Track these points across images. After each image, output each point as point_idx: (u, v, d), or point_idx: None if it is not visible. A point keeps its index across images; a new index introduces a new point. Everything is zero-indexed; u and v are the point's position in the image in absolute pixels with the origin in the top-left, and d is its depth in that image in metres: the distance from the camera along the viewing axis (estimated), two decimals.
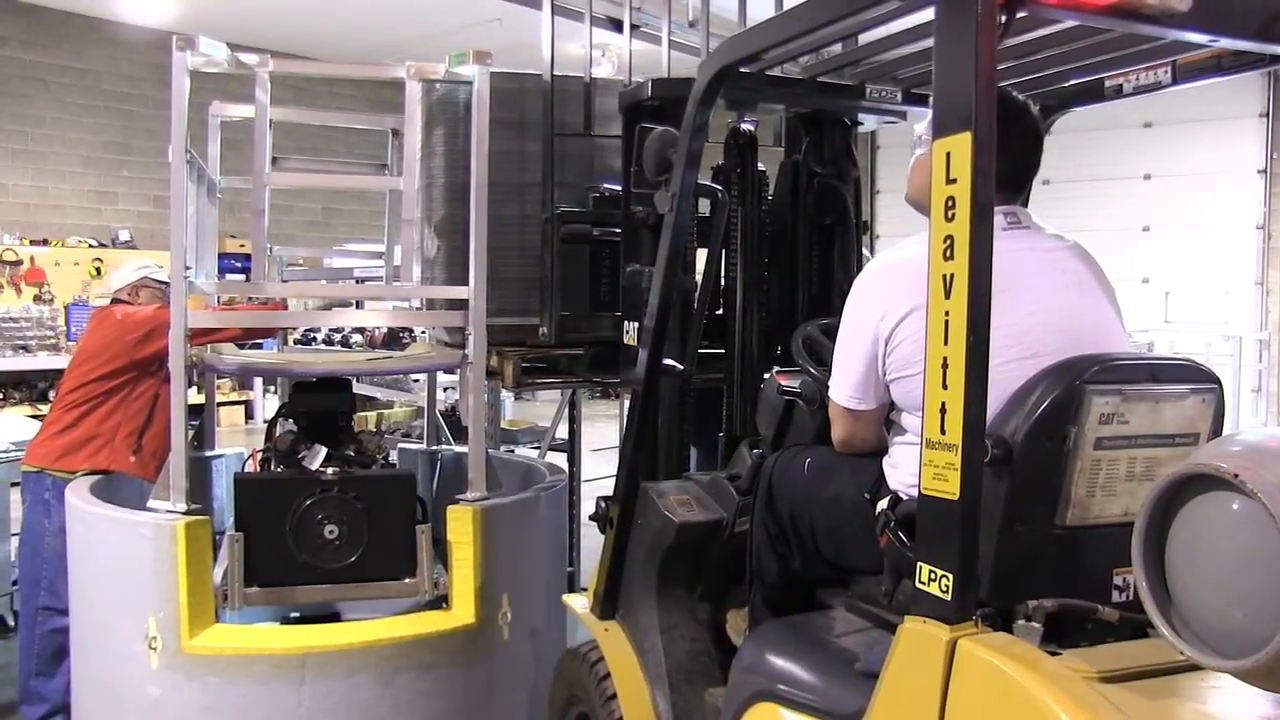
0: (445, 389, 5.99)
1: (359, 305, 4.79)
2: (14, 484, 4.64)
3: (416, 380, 6.84)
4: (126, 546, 3.00)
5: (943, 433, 1.52)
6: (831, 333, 2.50)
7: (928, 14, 1.87)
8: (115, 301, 3.90)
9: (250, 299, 4.19)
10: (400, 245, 3.22)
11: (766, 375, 2.61)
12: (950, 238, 1.51)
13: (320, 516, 3.06)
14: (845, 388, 2.01)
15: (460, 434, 4.53)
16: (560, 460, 5.04)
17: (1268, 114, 9.30)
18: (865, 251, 3.13)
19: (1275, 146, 9.29)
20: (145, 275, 3.91)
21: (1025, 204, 2.13)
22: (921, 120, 2.06)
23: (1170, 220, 9.79)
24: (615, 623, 2.66)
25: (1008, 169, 1.84)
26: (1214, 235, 9.57)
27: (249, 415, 11.19)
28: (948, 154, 1.52)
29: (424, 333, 4.99)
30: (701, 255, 2.96)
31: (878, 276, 1.98)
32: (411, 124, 3.30)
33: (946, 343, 1.51)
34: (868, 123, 2.99)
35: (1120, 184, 9.91)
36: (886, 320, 1.89)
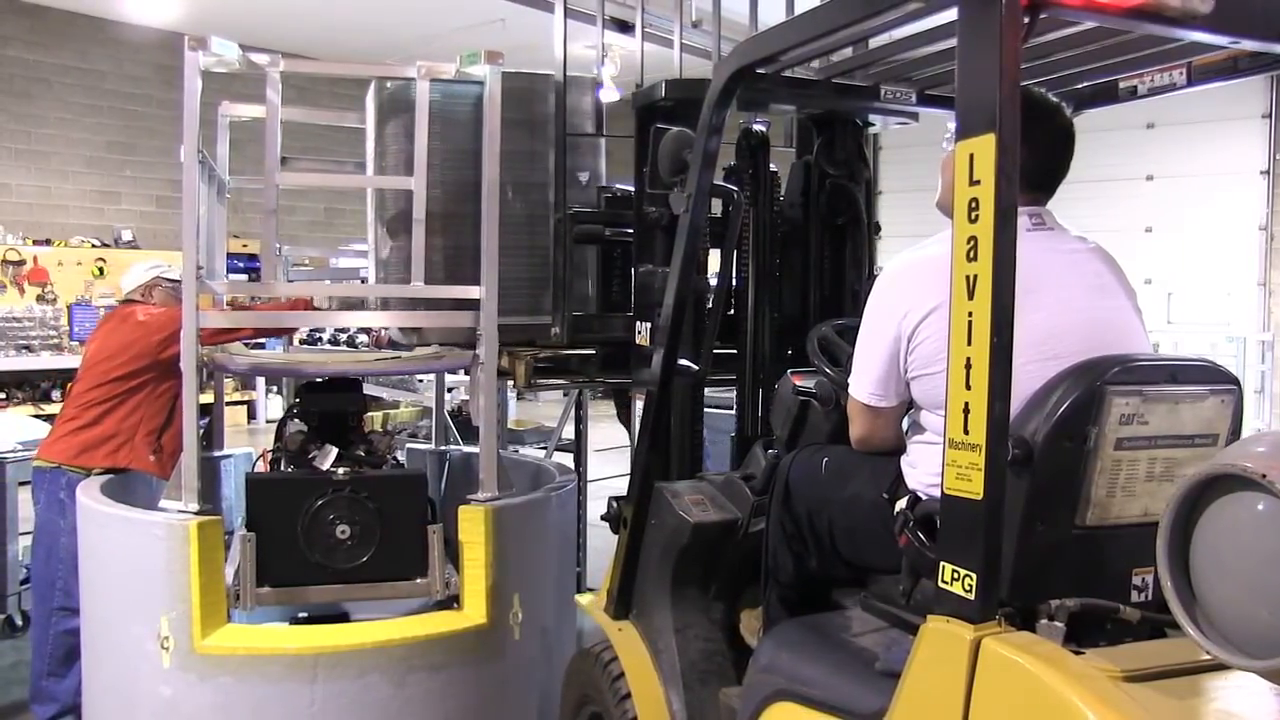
0: (449, 389, 5.99)
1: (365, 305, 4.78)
2: (21, 483, 4.64)
3: (421, 380, 6.85)
4: (139, 546, 3.01)
5: (966, 433, 1.52)
6: (846, 333, 2.51)
7: (946, 16, 1.89)
8: (128, 302, 3.90)
9: (254, 298, 4.18)
10: (412, 245, 3.21)
11: (780, 376, 2.62)
12: (974, 239, 1.51)
13: (332, 516, 3.07)
14: (866, 385, 2.01)
15: (467, 434, 4.54)
16: (566, 460, 5.05)
17: (1271, 115, 9.29)
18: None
19: (1278, 147, 9.29)
20: (158, 275, 3.91)
21: None
22: (950, 121, 2.05)
23: (1173, 221, 9.78)
24: (629, 623, 2.66)
25: (1037, 170, 1.85)
26: (1217, 236, 9.57)
27: (251, 415, 11.20)
28: (971, 155, 1.52)
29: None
30: (713, 256, 2.97)
31: (901, 274, 1.98)
32: (420, 123, 3.29)
33: (970, 343, 1.52)
34: (880, 124, 2.99)
35: (1123, 185, 9.90)
36: (909, 318, 1.89)
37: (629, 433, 5.04)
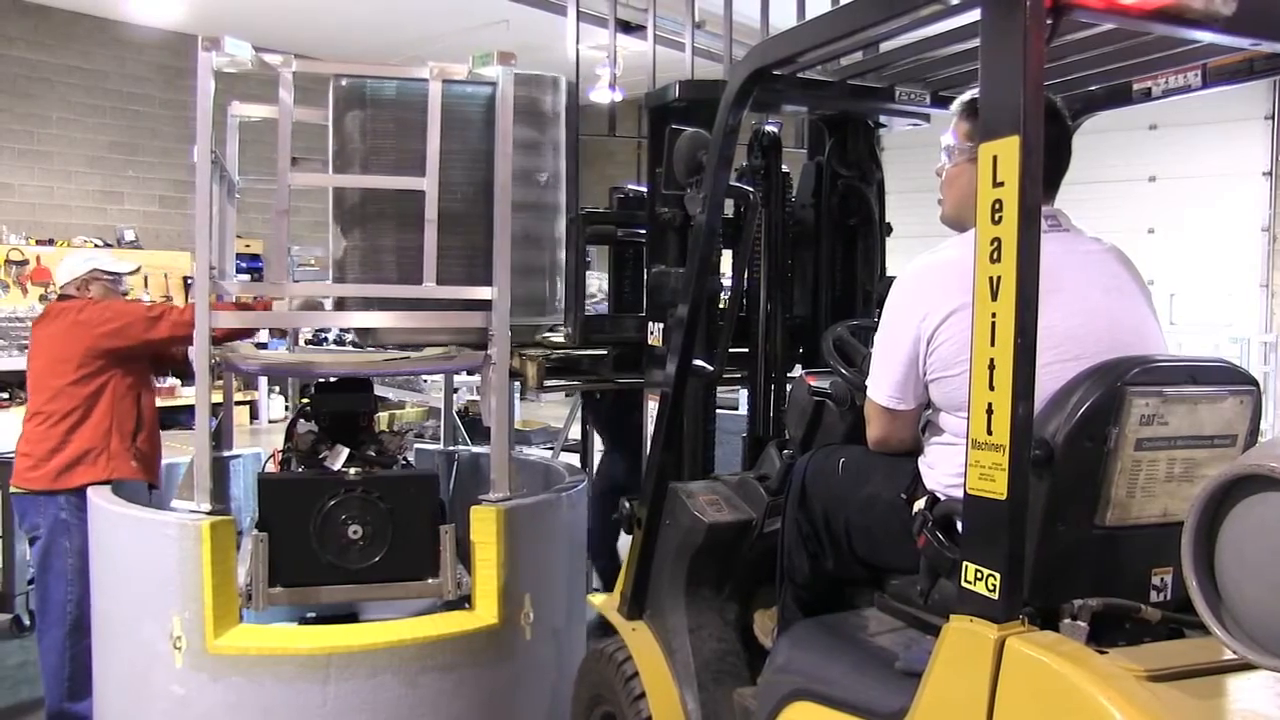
0: (453, 389, 6.00)
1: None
2: None
3: (426, 380, 6.86)
4: (151, 546, 3.01)
5: (989, 433, 1.53)
6: (861, 333, 2.52)
7: (965, 18, 1.90)
8: (63, 298, 3.68)
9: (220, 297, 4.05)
10: (425, 245, 3.20)
11: (794, 376, 2.62)
12: (997, 240, 1.52)
13: (344, 517, 3.07)
14: (885, 387, 2.02)
15: (474, 434, 4.55)
16: (572, 460, 5.06)
17: (1273, 116, 9.31)
18: None
19: None
20: (95, 268, 3.70)
21: None
22: (947, 132, 2.06)
23: (1175, 222, 9.79)
24: (642, 622, 2.68)
25: (1046, 166, 1.85)
26: (1219, 238, 9.59)
27: (254, 415, 11.18)
28: (994, 157, 1.52)
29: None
30: (724, 256, 2.98)
31: (919, 277, 1.98)
32: (433, 124, 3.28)
33: (993, 344, 1.52)
34: (893, 125, 3.00)
35: (1125, 186, 9.91)
36: (929, 320, 1.90)
37: (596, 432, 5.11)
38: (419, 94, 3.19)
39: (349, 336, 6.62)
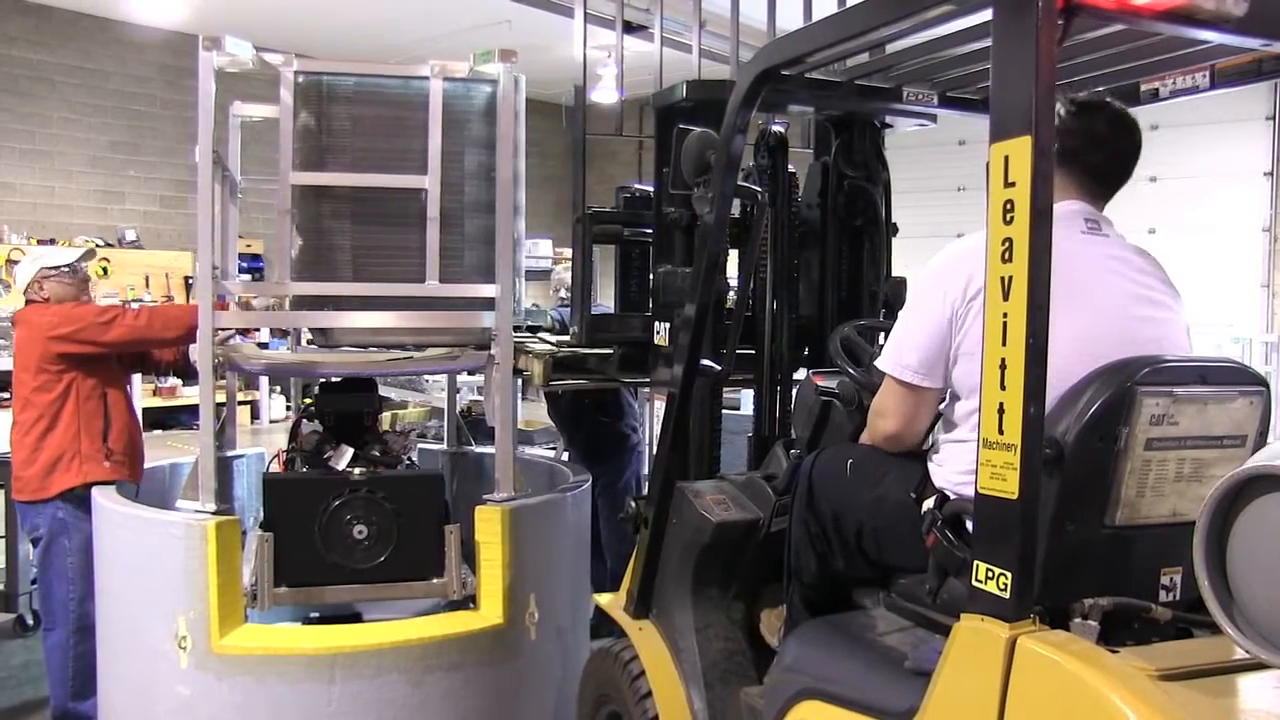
0: (455, 390, 5.99)
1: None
2: None
3: (428, 380, 6.86)
4: (156, 546, 3.01)
5: (1001, 432, 1.53)
6: (868, 334, 2.52)
7: (975, 18, 1.90)
8: (29, 303, 3.72)
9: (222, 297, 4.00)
10: (427, 243, 3.20)
11: (801, 376, 2.63)
12: (1009, 240, 1.52)
13: (349, 517, 3.08)
14: (912, 364, 1.96)
15: (477, 434, 4.54)
16: None
17: (1274, 117, 9.31)
18: None
19: None
20: (40, 267, 3.70)
21: None
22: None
23: (1177, 223, 9.79)
24: (649, 622, 2.68)
25: (1111, 173, 1.88)
26: (1220, 238, 9.59)
27: (255, 415, 11.18)
28: (1006, 157, 1.53)
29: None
30: (730, 256, 2.97)
31: (955, 256, 1.93)
32: (434, 122, 3.28)
33: (1005, 344, 1.52)
34: (899, 125, 3.00)
35: (1126, 186, 9.90)
36: (964, 295, 1.86)
37: (558, 429, 5.17)
38: (379, 90, 3.19)
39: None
